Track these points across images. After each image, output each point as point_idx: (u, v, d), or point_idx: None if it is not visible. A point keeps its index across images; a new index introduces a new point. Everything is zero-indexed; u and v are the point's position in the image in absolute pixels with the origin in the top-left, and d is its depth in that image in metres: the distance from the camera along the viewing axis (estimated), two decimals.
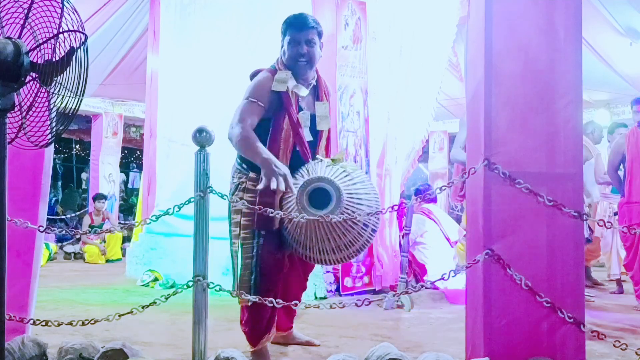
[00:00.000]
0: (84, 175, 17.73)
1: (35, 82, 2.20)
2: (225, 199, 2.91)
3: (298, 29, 3.08)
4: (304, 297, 3.61)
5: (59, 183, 18.07)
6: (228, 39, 6.01)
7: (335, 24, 5.18)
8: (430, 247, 5.90)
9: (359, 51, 5.38)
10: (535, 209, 2.63)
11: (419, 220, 5.90)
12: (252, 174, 3.01)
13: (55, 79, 2.15)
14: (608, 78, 8.13)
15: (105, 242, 8.90)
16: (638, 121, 5.36)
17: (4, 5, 2.24)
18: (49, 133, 2.24)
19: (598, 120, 7.94)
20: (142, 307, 2.84)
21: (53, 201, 14.57)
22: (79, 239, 9.12)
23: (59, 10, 2.16)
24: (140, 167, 18.26)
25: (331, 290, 5.12)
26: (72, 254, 9.18)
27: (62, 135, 2.39)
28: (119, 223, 9.81)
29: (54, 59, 2.16)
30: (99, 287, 6.11)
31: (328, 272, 5.12)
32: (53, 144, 2.45)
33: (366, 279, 5.30)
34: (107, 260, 8.77)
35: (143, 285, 6.07)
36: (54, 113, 2.24)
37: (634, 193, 5.15)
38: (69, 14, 2.15)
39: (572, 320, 2.60)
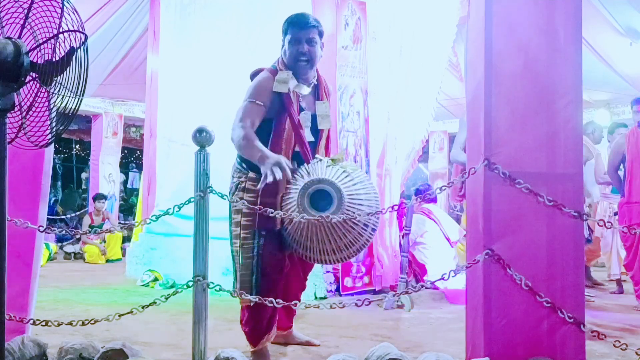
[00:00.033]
0: (83, 175, 17.73)
1: (35, 82, 2.20)
2: (225, 199, 2.91)
3: (299, 27, 3.08)
4: (304, 297, 3.61)
5: (59, 183, 18.07)
6: (228, 39, 6.01)
7: (335, 24, 5.18)
8: (430, 247, 5.90)
9: (359, 51, 5.38)
10: (535, 209, 2.63)
11: (419, 220, 5.90)
12: (251, 174, 3.02)
13: (55, 79, 2.15)
14: (608, 78, 8.13)
15: (105, 242, 8.90)
16: (638, 121, 5.36)
17: (4, 5, 2.24)
18: (49, 133, 2.25)
19: (598, 120, 7.94)
20: (142, 307, 2.84)
21: (53, 201, 14.56)
22: (79, 239, 9.12)
23: (59, 10, 2.16)
24: (139, 167, 18.27)
25: (331, 290, 5.12)
26: (72, 254, 9.18)
27: (62, 135, 2.39)
28: (119, 223, 9.80)
29: (54, 59, 2.16)
30: (99, 287, 6.11)
31: (328, 272, 5.12)
32: (53, 144, 2.45)
33: (366, 279, 5.30)
34: (107, 260, 8.77)
35: (143, 285, 6.07)
36: (54, 113, 2.24)
37: (634, 193, 5.15)
38: (69, 14, 2.15)
39: (572, 320, 2.60)
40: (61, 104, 2.17)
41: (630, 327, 4.19)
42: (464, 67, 5.18)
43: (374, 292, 5.28)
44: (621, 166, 5.44)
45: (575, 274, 2.67)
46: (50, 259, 8.52)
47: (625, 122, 6.61)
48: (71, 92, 2.15)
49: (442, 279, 2.76)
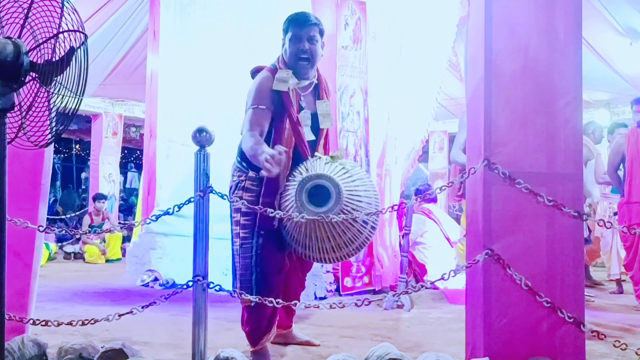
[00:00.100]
0: (83, 175, 17.75)
1: (35, 82, 2.20)
2: (225, 199, 2.91)
3: (300, 25, 3.08)
4: (304, 296, 3.62)
5: (58, 183, 18.08)
6: (228, 39, 6.01)
7: (335, 24, 5.18)
8: (430, 247, 5.90)
9: (359, 51, 5.38)
10: (535, 209, 2.63)
11: (419, 220, 5.90)
12: (252, 173, 3.02)
13: (55, 78, 2.15)
14: (608, 78, 8.13)
15: (105, 242, 8.90)
16: (638, 121, 5.37)
17: (4, 5, 2.24)
18: (49, 133, 2.24)
19: (598, 120, 7.94)
20: (142, 307, 2.84)
21: (52, 201, 14.57)
22: (78, 239, 9.11)
23: (58, 10, 2.16)
24: (138, 167, 18.28)
25: (331, 290, 5.12)
26: (72, 254, 9.18)
27: (62, 135, 2.39)
28: (119, 223, 9.80)
29: (53, 59, 2.16)
30: (99, 287, 6.11)
31: (328, 272, 5.12)
32: (53, 144, 2.45)
33: (366, 279, 5.30)
34: (107, 260, 8.77)
35: (143, 285, 6.07)
36: (54, 113, 2.24)
37: (633, 193, 5.15)
38: (69, 14, 2.15)
39: (572, 320, 2.60)
40: (61, 103, 2.17)
41: (630, 327, 4.19)
42: (464, 67, 5.18)
43: (374, 292, 5.28)
44: (621, 166, 5.44)
45: (575, 274, 2.67)
46: (50, 259, 8.52)
47: (625, 122, 6.61)
48: (71, 92, 2.15)
49: (442, 279, 2.76)
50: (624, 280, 5.93)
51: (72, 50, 2.14)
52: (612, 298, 5.62)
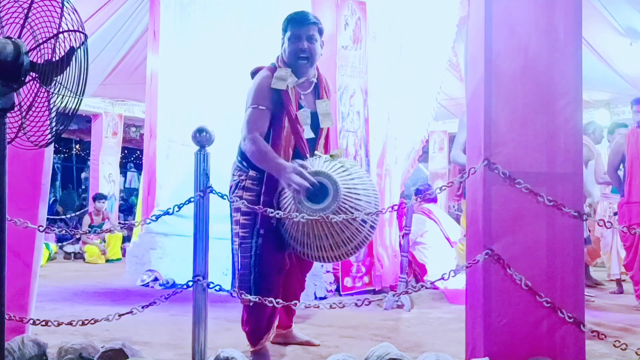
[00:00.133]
0: (83, 175, 17.75)
1: (35, 82, 2.20)
2: (225, 199, 2.91)
3: (299, 24, 3.08)
4: (304, 297, 3.61)
5: (57, 183, 18.08)
6: (228, 39, 6.01)
7: (335, 24, 5.18)
8: (430, 247, 5.90)
9: (359, 51, 5.38)
10: (535, 209, 2.63)
11: (419, 220, 5.90)
12: (252, 173, 3.02)
13: (55, 78, 2.15)
14: (608, 78, 8.13)
15: (105, 242, 8.90)
16: (638, 121, 5.37)
17: (4, 5, 2.24)
18: (49, 133, 2.24)
19: (598, 120, 7.94)
20: (142, 307, 2.84)
21: (52, 201, 14.57)
22: (79, 239, 9.12)
23: (58, 10, 2.16)
24: (137, 167, 18.28)
25: (331, 290, 5.12)
26: (72, 254, 9.18)
27: (62, 135, 2.39)
28: (119, 223, 9.80)
29: (53, 59, 2.16)
30: (99, 287, 6.11)
31: (328, 272, 5.12)
32: (53, 143, 2.45)
33: (366, 279, 5.30)
34: (107, 260, 8.77)
35: (143, 285, 6.07)
36: (54, 113, 2.24)
37: (633, 193, 5.16)
38: (69, 14, 2.15)
39: (572, 320, 2.60)
40: (61, 103, 2.17)
41: (630, 327, 4.19)
42: (464, 67, 5.18)
43: (374, 292, 5.28)
44: (621, 166, 5.44)
45: (575, 274, 2.67)
46: (50, 259, 8.52)
47: (625, 122, 6.61)
48: (71, 92, 2.15)
49: (442, 279, 2.76)
50: (624, 280, 5.94)
51: (72, 50, 2.14)
52: (612, 298, 5.62)
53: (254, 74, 3.18)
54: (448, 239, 6.07)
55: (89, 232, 5.71)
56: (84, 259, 8.84)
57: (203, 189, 2.77)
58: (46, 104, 2.23)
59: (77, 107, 2.17)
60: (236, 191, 3.05)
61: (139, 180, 17.11)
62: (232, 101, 3.80)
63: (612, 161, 5.49)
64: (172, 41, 6.69)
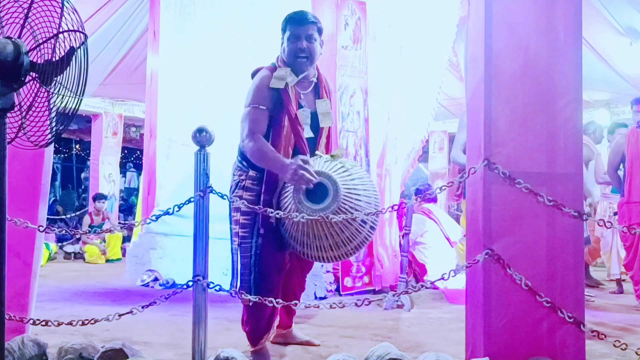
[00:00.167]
0: (83, 175, 17.75)
1: (35, 82, 2.20)
2: (225, 199, 2.91)
3: (298, 24, 3.08)
4: (304, 297, 3.61)
5: (56, 183, 18.09)
6: (228, 39, 6.01)
7: (335, 24, 5.18)
8: (430, 247, 5.90)
9: (359, 51, 5.38)
10: (535, 209, 2.63)
11: (419, 220, 5.90)
12: (252, 172, 3.02)
13: (55, 78, 2.15)
14: (608, 78, 8.13)
15: (105, 242, 8.90)
16: (638, 121, 5.37)
17: (4, 5, 2.24)
18: (49, 133, 2.24)
19: (598, 120, 7.94)
20: (142, 307, 2.84)
21: (52, 201, 14.57)
22: (79, 239, 9.12)
23: (58, 10, 2.16)
24: (136, 167, 18.28)
25: (331, 290, 5.12)
26: (72, 254, 9.18)
27: (62, 135, 2.39)
28: (119, 223, 9.80)
29: (53, 59, 2.16)
30: (99, 287, 6.11)
31: (328, 272, 5.12)
32: (53, 143, 2.45)
33: (366, 279, 5.30)
34: (107, 260, 8.78)
35: (143, 285, 6.07)
36: (54, 113, 2.24)
37: (633, 193, 5.16)
38: (69, 14, 2.15)
39: (572, 320, 2.60)
40: (61, 103, 2.17)
41: (630, 327, 4.19)
42: (464, 67, 5.18)
43: (374, 292, 5.28)
44: (621, 166, 5.44)
45: (575, 274, 2.67)
46: (50, 259, 8.52)
47: (625, 122, 6.61)
48: (71, 91, 2.15)
49: (442, 279, 2.76)
50: (624, 280, 5.94)
51: (72, 50, 2.14)
52: (612, 298, 5.62)
53: (254, 74, 3.18)
54: (448, 239, 6.07)
55: (89, 232, 5.71)
56: (84, 259, 8.84)
57: (203, 189, 2.77)
58: (46, 104, 2.23)
59: (77, 107, 2.17)
60: (236, 191, 3.05)
61: (138, 180, 17.12)
62: (232, 101, 3.79)
63: (612, 161, 5.49)
64: (172, 41, 6.69)
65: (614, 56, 7.70)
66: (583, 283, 2.74)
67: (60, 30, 2.16)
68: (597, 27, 6.89)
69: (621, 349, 2.69)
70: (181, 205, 2.81)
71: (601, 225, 3.40)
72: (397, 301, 4.81)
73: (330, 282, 5.12)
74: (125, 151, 15.86)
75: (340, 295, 5.08)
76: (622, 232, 5.23)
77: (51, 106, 2.23)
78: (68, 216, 12.04)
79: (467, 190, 2.86)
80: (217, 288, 2.75)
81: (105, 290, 5.84)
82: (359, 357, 2.77)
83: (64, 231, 3.51)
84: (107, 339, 3.39)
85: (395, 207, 3.80)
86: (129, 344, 2.90)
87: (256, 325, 3.07)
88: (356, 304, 2.78)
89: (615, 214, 5.81)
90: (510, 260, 2.61)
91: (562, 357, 2.62)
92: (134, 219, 10.32)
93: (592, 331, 2.67)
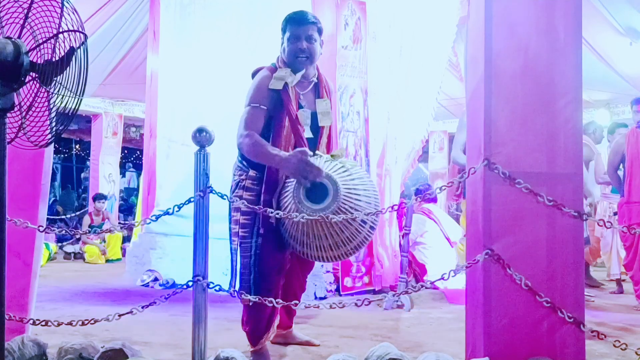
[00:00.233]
0: (83, 175, 17.75)
1: (35, 82, 2.20)
2: (225, 199, 2.91)
3: (298, 24, 3.08)
4: (304, 297, 3.61)
5: (56, 183, 18.09)
6: (228, 39, 6.01)
7: (335, 24, 5.18)
8: (430, 247, 5.90)
9: (358, 51, 5.38)
10: (535, 208, 2.63)
11: (419, 220, 5.90)
12: (252, 172, 3.02)
13: (55, 78, 2.15)
14: (608, 78, 8.13)
15: (105, 242, 8.90)
16: (638, 121, 5.37)
17: (4, 5, 2.24)
18: (49, 133, 2.24)
19: (598, 120, 7.95)
20: (142, 307, 2.84)
21: (52, 201, 14.57)
22: (78, 239, 9.12)
23: (58, 10, 2.16)
24: (136, 167, 18.28)
25: (331, 290, 5.12)
26: (72, 254, 9.18)
27: (62, 135, 2.39)
28: (119, 223, 9.80)
29: (53, 59, 2.16)
30: (99, 287, 6.11)
31: (328, 272, 5.12)
32: (53, 143, 2.45)
33: (366, 279, 5.30)
34: (107, 260, 8.78)
35: (143, 285, 6.07)
36: (54, 113, 2.24)
37: (633, 193, 5.16)
38: (69, 14, 2.15)
39: (572, 320, 2.60)
40: (61, 103, 2.17)
41: (630, 327, 4.19)
42: (464, 67, 5.18)
43: (374, 292, 5.28)
44: (621, 166, 5.44)
45: (575, 274, 2.67)
46: (50, 259, 8.53)
47: (625, 122, 6.62)
48: (71, 92, 2.15)
49: (442, 279, 2.76)
50: (624, 280, 5.94)
51: (72, 50, 2.14)
52: (612, 298, 5.62)
53: (254, 74, 3.18)
54: (448, 239, 6.07)
55: (89, 232, 5.71)
56: (84, 259, 8.84)
57: (203, 189, 2.77)
58: (46, 104, 2.23)
59: (77, 107, 2.17)
60: (236, 191, 3.05)
61: (137, 180, 17.12)
62: (232, 101, 3.79)
63: (612, 161, 5.49)
64: (172, 41, 6.69)
65: (614, 56, 7.70)
66: (583, 283, 2.74)
67: (60, 30, 2.16)
68: (597, 27, 6.89)
69: (621, 349, 2.69)
70: (181, 205, 2.81)
71: (601, 225, 3.40)
72: (397, 301, 4.81)
73: (330, 282, 5.12)
74: (125, 151, 15.87)
75: (340, 295, 5.08)
76: (622, 232, 5.23)
77: (51, 106, 2.23)
78: (68, 216, 12.04)
79: (467, 190, 2.86)
80: (217, 288, 2.75)
81: (105, 291, 5.84)
82: (359, 357, 2.77)
83: (63, 231, 3.50)
84: (107, 339, 3.39)
85: (395, 207, 3.80)
86: (129, 344, 2.90)
87: (256, 325, 3.07)
88: (356, 304, 2.78)
89: (615, 214, 5.81)
90: (510, 260, 2.61)
91: (562, 357, 2.62)
92: (133, 219, 10.32)
93: (592, 331, 2.67)
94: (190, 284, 2.77)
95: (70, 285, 6.11)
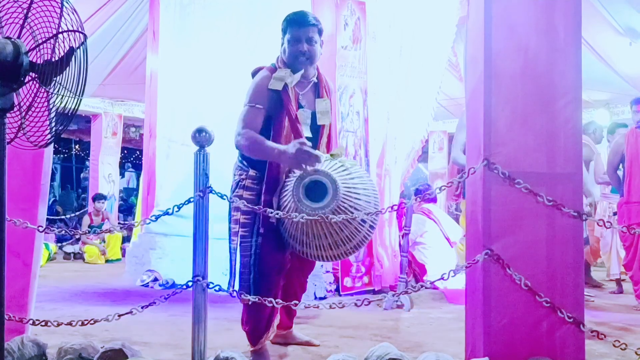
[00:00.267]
0: (83, 175, 17.75)
1: (34, 82, 2.20)
2: (224, 199, 2.91)
3: (298, 26, 3.08)
4: (304, 297, 3.61)
5: (55, 183, 18.08)
6: (228, 39, 6.01)
7: (335, 24, 5.18)
8: (430, 247, 5.90)
9: (358, 51, 5.38)
10: (535, 209, 2.63)
11: (419, 220, 5.90)
12: (252, 172, 3.02)
13: (55, 79, 2.15)
14: (608, 78, 8.13)
15: (104, 242, 8.90)
16: (638, 121, 5.37)
17: (4, 5, 2.24)
18: (49, 133, 2.24)
19: (598, 120, 7.95)
20: (142, 307, 2.84)
21: (51, 201, 14.57)
22: (78, 239, 9.12)
23: (58, 10, 2.16)
24: (135, 167, 18.27)
25: (331, 290, 5.12)
26: (72, 254, 9.18)
27: (62, 135, 2.39)
28: (119, 223, 9.80)
29: (53, 59, 2.16)
30: (99, 287, 6.11)
31: (328, 272, 5.12)
32: (52, 144, 2.45)
33: (366, 279, 5.30)
34: (107, 261, 8.77)
35: (143, 285, 6.06)
36: (54, 113, 2.24)
37: (633, 193, 5.16)
38: (69, 14, 2.15)
39: (572, 320, 2.60)
40: (60, 104, 2.17)
41: (630, 327, 4.19)
42: (464, 67, 5.18)
43: (374, 292, 5.27)
44: (620, 166, 5.44)
45: (575, 274, 2.67)
46: (50, 259, 8.52)
47: (625, 122, 6.62)
48: (70, 92, 2.15)
49: (442, 279, 2.76)
50: (623, 280, 5.94)
51: (71, 51, 2.14)
52: (612, 298, 5.63)
53: (254, 74, 3.18)
54: (448, 239, 6.07)
55: (89, 232, 5.70)
56: (83, 259, 8.84)
57: (203, 189, 2.77)
58: (46, 104, 2.23)
59: (76, 107, 2.17)
60: (237, 190, 3.05)
61: (137, 180, 17.11)
62: (232, 101, 3.79)
63: (612, 161, 5.49)
64: (171, 41, 6.69)
65: (613, 56, 7.70)
66: (583, 283, 2.74)
67: (60, 30, 2.16)
68: (597, 27, 6.89)
69: (621, 349, 2.69)
70: (181, 206, 2.81)
71: (601, 225, 3.41)
72: (396, 301, 4.81)
73: (329, 282, 5.12)
74: (125, 151, 15.86)
75: (340, 295, 5.08)
76: (622, 232, 5.23)
77: (51, 106, 2.23)
78: (67, 216, 12.04)
79: (467, 191, 2.86)
80: (216, 288, 2.75)
81: (105, 291, 5.84)
82: (359, 357, 2.77)
83: (63, 231, 3.50)
84: (106, 339, 3.39)
85: (395, 207, 3.80)
86: (128, 344, 2.90)
87: (256, 324, 3.06)
88: (356, 304, 2.78)
89: (614, 214, 5.81)
90: (510, 260, 2.61)
91: (562, 357, 2.62)
92: (133, 219, 10.31)
93: (592, 331, 2.67)
94: (190, 284, 2.77)
95: (69, 286, 6.11)
